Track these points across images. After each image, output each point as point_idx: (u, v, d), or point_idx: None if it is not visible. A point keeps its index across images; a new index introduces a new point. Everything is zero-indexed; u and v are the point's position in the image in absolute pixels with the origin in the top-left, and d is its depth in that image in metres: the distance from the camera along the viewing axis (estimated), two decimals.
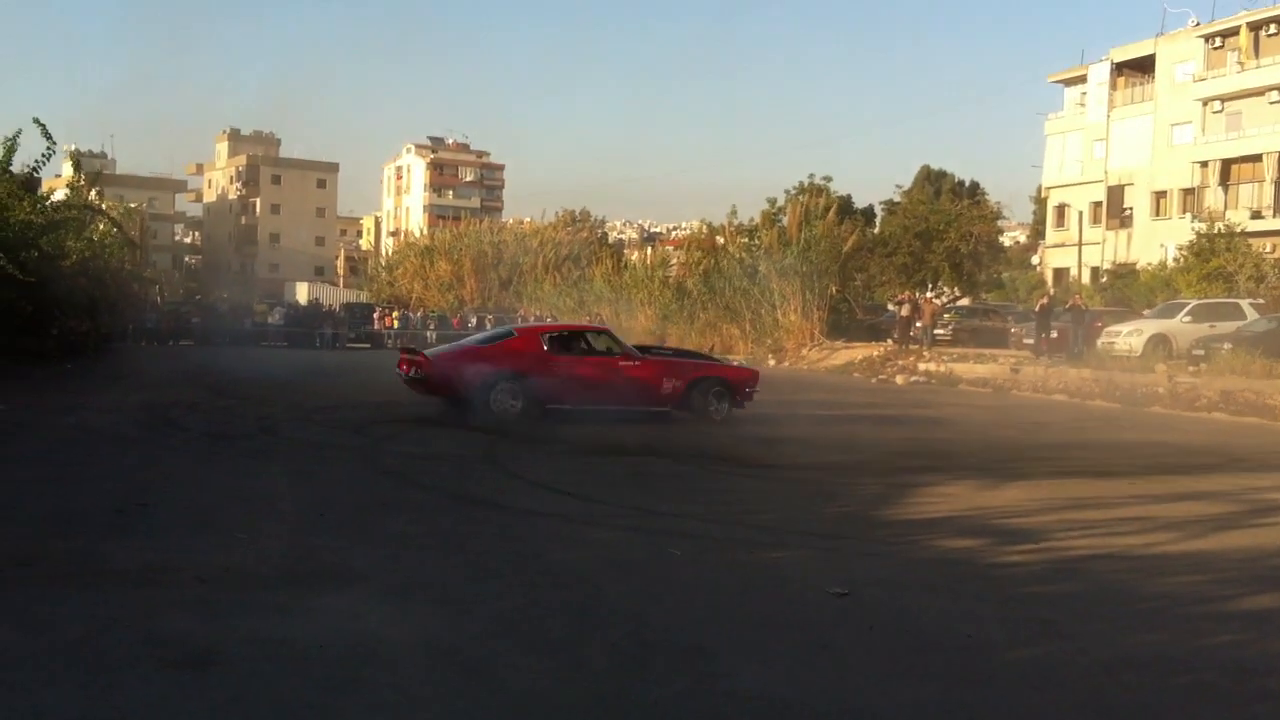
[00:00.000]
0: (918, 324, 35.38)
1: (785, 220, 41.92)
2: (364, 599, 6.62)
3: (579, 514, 9.66)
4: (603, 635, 6.11)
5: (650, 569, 7.69)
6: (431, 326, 51.46)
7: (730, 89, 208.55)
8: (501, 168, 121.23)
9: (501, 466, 12.40)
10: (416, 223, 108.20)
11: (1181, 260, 41.81)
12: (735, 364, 22.21)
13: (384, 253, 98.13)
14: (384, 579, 7.14)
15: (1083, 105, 58.41)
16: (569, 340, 18.28)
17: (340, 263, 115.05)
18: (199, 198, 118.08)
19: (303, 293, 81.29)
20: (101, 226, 35.37)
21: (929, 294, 41.91)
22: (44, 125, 25.81)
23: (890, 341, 36.23)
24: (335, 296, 77.20)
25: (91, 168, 37.71)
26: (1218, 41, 50.91)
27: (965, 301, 44.69)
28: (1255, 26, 49.14)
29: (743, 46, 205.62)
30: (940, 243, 42.07)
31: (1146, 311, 34.22)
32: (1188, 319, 28.86)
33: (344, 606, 6.44)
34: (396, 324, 51.93)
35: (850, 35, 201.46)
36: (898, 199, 51.05)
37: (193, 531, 8.46)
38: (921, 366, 31.17)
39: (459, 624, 6.22)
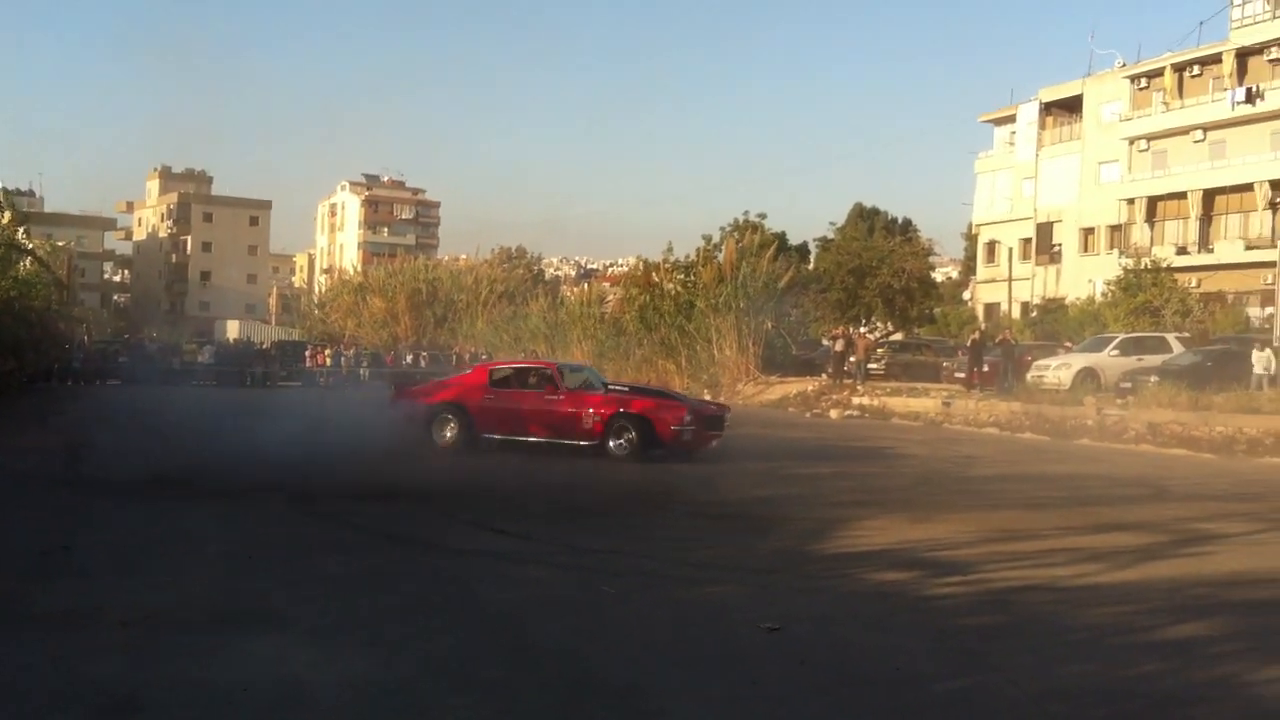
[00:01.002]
0: (852, 359, 35.68)
1: (722, 257, 42.11)
2: (291, 641, 6.54)
3: (512, 552, 9.60)
4: (535, 675, 6.08)
5: (583, 607, 7.66)
6: (365, 364, 50.98)
7: (667, 127, 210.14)
8: (437, 205, 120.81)
9: (435, 505, 12.31)
10: (350, 260, 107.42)
11: (1109, 295, 42.61)
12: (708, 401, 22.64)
13: (317, 290, 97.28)
14: (312, 620, 7.05)
15: (1012, 144, 59.49)
16: (517, 375, 19.08)
17: (272, 300, 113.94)
18: (129, 236, 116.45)
19: (233, 331, 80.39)
20: (27, 265, 34.80)
21: (863, 329, 42.31)
22: None
23: (825, 376, 36.47)
24: (267, 334, 76.40)
25: (18, 205, 37.04)
26: (1143, 82, 52.15)
27: (898, 336, 45.13)
28: (1179, 68, 50.42)
29: (678, 85, 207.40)
30: (874, 279, 42.49)
31: (1068, 344, 34.80)
32: (1115, 353, 29.36)
33: (270, 649, 6.35)
34: (329, 362, 51.39)
35: (785, 74, 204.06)
36: (831, 236, 51.53)
37: (117, 574, 8.32)
38: (855, 401, 31.38)
39: (389, 665, 6.16)
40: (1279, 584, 8.89)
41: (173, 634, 6.63)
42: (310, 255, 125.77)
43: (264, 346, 57.93)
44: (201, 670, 5.91)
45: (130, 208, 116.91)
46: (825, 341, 41.90)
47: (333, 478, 14.32)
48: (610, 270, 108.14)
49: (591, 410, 17.46)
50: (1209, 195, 48.51)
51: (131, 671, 5.87)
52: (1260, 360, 25.30)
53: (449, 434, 17.99)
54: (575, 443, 17.37)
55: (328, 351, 53.42)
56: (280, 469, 14.94)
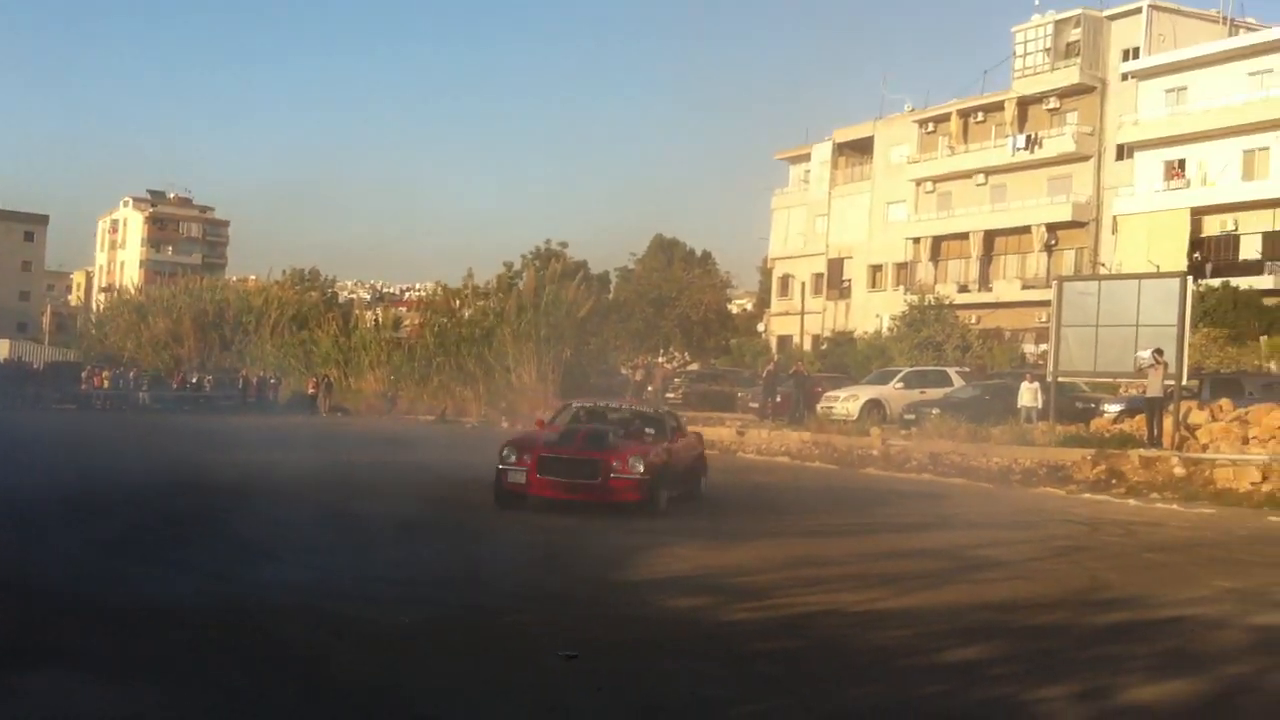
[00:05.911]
0: (650, 388, 35.99)
1: (522, 284, 42.04)
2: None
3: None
4: (332, 706, 5.85)
5: (378, 634, 7.42)
6: (145, 386, 48.90)
7: (468, 153, 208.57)
8: (226, 224, 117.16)
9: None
10: (131, 278, 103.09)
11: (895, 330, 44.19)
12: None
13: (95, 309, 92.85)
14: None
15: (807, 182, 61.34)
16: None
17: (47, 319, 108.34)
18: None
19: (3, 351, 76.06)
20: None
21: (661, 359, 42.81)
22: None
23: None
24: (40, 354, 72.58)
25: None
26: (930, 127, 54.66)
27: (695, 366, 45.82)
28: (964, 114, 53.01)
29: (481, 111, 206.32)
30: (672, 309, 43.15)
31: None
32: (900, 385, 30.39)
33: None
34: (108, 384, 49.11)
35: (589, 104, 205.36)
36: (632, 266, 52.05)
37: None
38: None
39: None
40: (1055, 608, 9.24)
41: None
42: (88, 273, 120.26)
43: (36, 367, 55.08)
44: None
45: None
46: (625, 370, 42.24)
47: None
48: (408, 295, 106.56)
49: None
50: (989, 236, 50.99)
51: None
52: (1027, 393, 26.31)
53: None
54: None
55: (106, 373, 51.08)
56: None
